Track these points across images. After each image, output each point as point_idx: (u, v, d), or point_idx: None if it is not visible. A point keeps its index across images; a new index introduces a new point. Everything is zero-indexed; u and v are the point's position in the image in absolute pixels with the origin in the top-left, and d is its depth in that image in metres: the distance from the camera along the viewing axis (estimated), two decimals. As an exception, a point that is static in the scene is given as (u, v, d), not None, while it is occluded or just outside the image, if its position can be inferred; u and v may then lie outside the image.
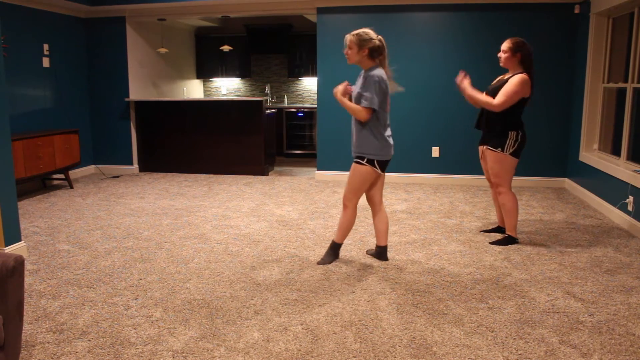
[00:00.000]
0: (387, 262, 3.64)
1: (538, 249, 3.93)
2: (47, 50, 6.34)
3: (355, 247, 3.97)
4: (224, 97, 9.09)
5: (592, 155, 5.48)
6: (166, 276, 3.39)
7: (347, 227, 3.56)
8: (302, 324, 2.72)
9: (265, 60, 9.28)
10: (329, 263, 3.61)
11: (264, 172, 7.04)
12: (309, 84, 9.10)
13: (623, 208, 4.56)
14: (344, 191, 3.55)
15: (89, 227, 4.53)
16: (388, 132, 3.43)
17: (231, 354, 2.43)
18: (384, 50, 3.33)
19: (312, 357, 2.41)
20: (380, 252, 3.68)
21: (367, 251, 3.85)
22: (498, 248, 3.94)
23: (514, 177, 6.27)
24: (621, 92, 5.08)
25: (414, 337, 2.58)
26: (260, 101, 6.88)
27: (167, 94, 8.31)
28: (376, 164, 3.38)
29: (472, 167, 6.37)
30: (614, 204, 4.77)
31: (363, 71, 3.37)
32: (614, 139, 5.28)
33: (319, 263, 3.61)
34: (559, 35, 5.99)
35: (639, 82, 4.59)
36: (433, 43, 6.22)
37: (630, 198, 4.41)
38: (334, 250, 3.65)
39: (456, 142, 6.36)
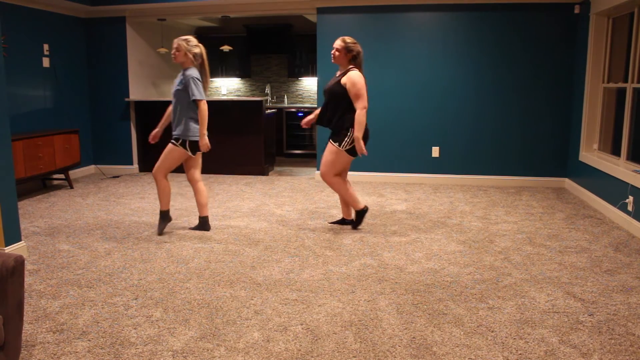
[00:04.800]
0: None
1: (538, 249, 3.93)
2: (47, 50, 6.34)
3: (356, 246, 3.97)
4: (224, 97, 9.10)
5: (592, 155, 5.48)
6: (166, 276, 3.39)
7: (166, 194, 4.26)
8: (302, 324, 2.72)
9: (265, 60, 9.28)
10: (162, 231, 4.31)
11: (264, 172, 7.04)
12: (309, 84, 9.10)
13: (623, 208, 4.56)
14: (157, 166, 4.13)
15: (89, 227, 4.53)
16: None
17: (231, 354, 2.43)
18: (204, 56, 4.24)
19: (312, 357, 2.41)
20: (203, 223, 4.37)
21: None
22: (497, 248, 3.94)
23: (514, 177, 6.33)
24: (621, 92, 5.08)
25: (414, 337, 2.58)
26: (260, 101, 6.88)
27: (167, 94, 8.30)
28: (187, 146, 4.11)
29: (472, 167, 6.37)
30: (614, 204, 4.77)
31: (182, 70, 4.14)
32: (614, 139, 5.28)
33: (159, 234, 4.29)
34: (559, 35, 5.99)
35: (639, 82, 4.59)
36: (433, 43, 6.22)
37: (630, 198, 4.41)
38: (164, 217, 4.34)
39: (456, 142, 6.37)
